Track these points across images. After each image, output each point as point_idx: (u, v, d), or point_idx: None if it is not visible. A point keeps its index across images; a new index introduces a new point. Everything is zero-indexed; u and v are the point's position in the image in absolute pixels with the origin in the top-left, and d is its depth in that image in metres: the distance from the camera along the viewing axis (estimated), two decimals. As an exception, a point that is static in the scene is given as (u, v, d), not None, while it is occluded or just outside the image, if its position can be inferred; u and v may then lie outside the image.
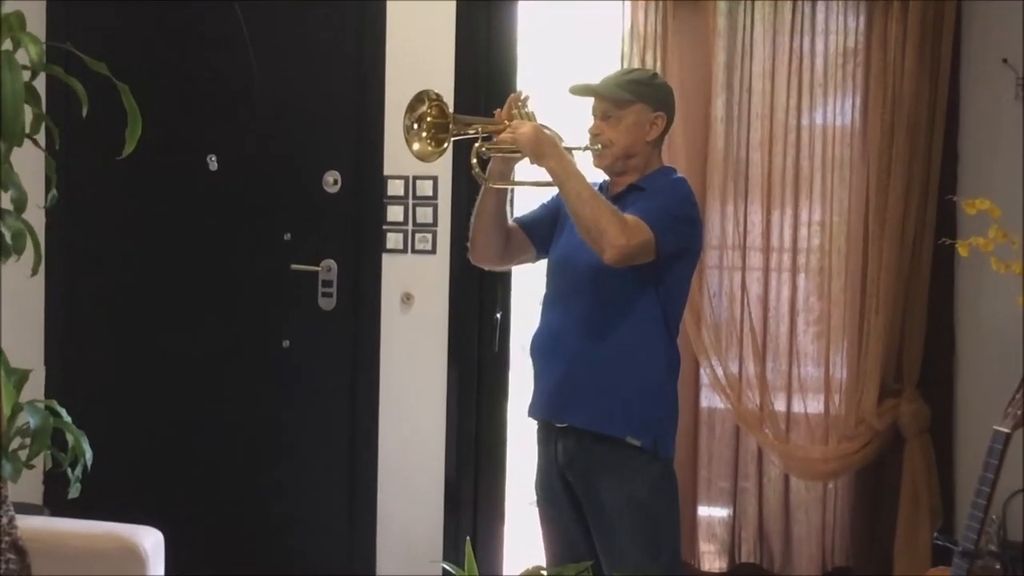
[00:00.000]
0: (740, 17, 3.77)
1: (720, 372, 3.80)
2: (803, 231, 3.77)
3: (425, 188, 3.79)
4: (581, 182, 2.54)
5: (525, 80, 3.87)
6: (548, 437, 2.75)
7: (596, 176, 2.76)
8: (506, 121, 2.65)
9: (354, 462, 3.85)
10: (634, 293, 2.62)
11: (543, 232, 2.83)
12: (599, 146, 2.69)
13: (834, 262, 3.75)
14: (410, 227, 3.80)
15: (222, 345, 3.90)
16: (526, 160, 2.64)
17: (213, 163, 3.84)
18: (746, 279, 3.81)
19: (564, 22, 4.25)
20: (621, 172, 2.72)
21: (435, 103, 2.60)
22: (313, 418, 3.88)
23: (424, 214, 3.80)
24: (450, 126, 2.59)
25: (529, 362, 2.82)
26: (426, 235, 3.80)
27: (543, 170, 2.59)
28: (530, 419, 2.81)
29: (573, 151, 2.67)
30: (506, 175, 2.72)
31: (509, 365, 3.91)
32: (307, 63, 3.84)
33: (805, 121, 3.76)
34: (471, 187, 2.73)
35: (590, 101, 2.75)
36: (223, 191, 3.88)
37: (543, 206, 2.86)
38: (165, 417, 3.93)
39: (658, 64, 3.75)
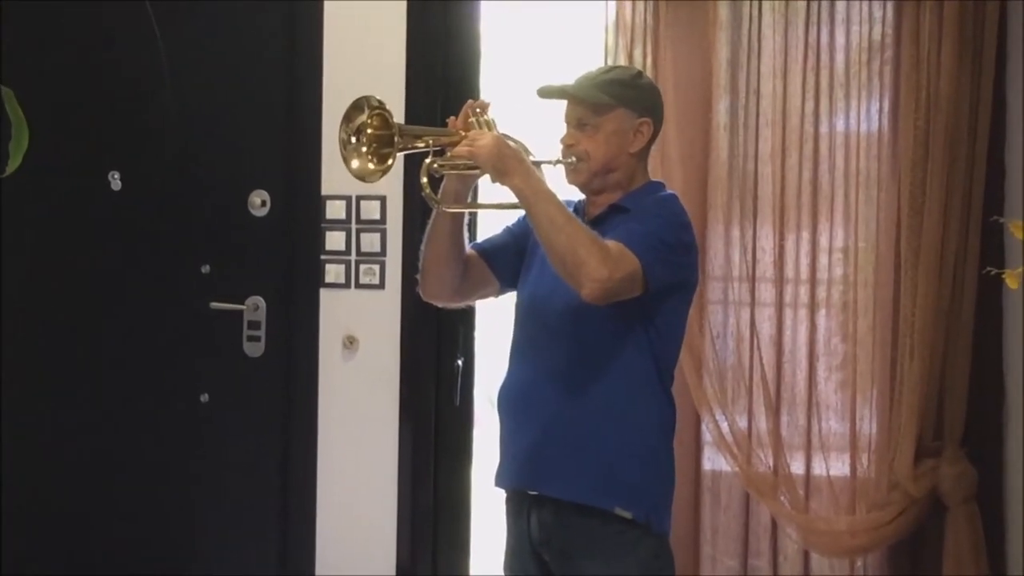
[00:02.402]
0: (746, 6, 3.78)
1: (726, 428, 3.80)
2: (823, 259, 3.78)
3: (371, 210, 3.78)
4: (553, 204, 2.50)
5: (491, 84, 3.87)
6: (520, 509, 2.72)
7: (571, 194, 2.73)
8: (462, 132, 2.62)
9: (287, 543, 3.80)
10: (619, 336, 2.60)
11: (507, 261, 2.81)
12: (573, 159, 2.66)
13: (860, 296, 3.76)
14: (353, 257, 3.80)
15: (126, 400, 3.83)
16: (487, 178, 2.61)
17: (116, 181, 3.80)
18: (756, 317, 3.81)
19: (537, 14, 4.24)
20: (600, 190, 2.70)
21: (377, 112, 2.56)
22: (237, 489, 3.83)
23: (370, 241, 3.78)
24: (395, 139, 2.56)
25: (497, 419, 2.80)
26: (372, 267, 3.79)
27: (507, 190, 2.55)
28: (498, 489, 2.79)
29: (543, 166, 2.65)
30: (462, 196, 2.69)
31: (473, 422, 3.88)
32: (229, 66, 3.82)
33: (824, 128, 3.78)
34: (426, 209, 2.73)
35: (563, 106, 2.73)
36: (128, 214, 3.82)
37: (507, 230, 2.85)
38: (54, 490, 3.82)
39: (648, 61, 3.76)
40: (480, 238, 2.91)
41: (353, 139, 2.57)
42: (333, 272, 3.80)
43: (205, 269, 3.82)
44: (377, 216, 3.77)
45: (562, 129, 2.71)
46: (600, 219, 2.67)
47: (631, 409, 2.61)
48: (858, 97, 3.75)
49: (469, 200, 2.73)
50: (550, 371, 2.64)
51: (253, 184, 3.80)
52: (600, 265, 2.44)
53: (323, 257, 3.80)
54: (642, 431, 2.62)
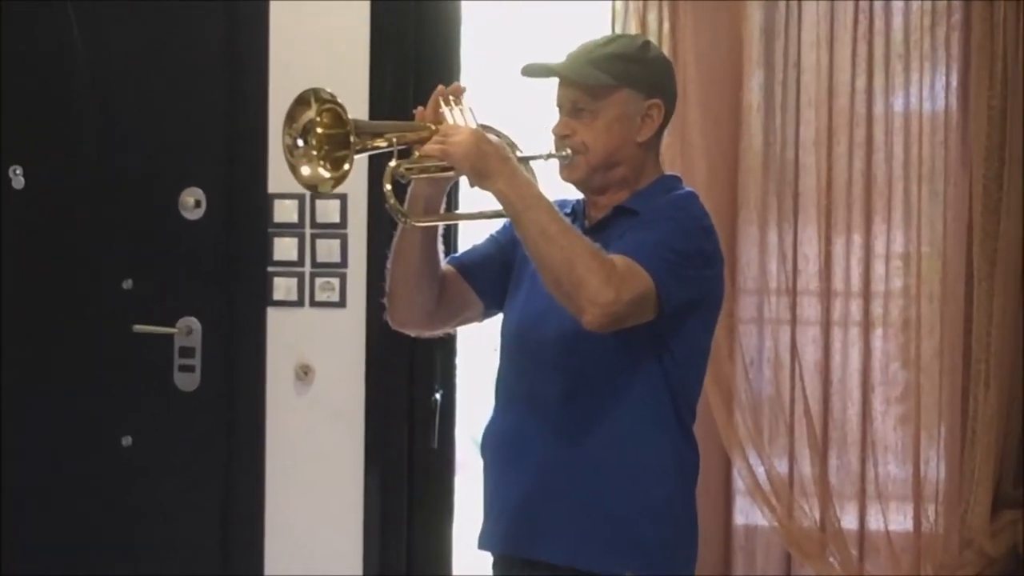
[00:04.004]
0: (783, -38, 3.82)
1: (761, 473, 3.82)
2: (878, 268, 3.81)
3: (329, 211, 3.80)
4: (545, 212, 2.48)
5: (477, 65, 3.92)
6: (509, 576, 2.83)
7: (567, 193, 2.73)
8: (431, 125, 2.59)
9: (228, 615, 3.82)
10: (627, 367, 2.60)
11: (492, 278, 2.80)
12: (568, 153, 2.64)
13: (924, 313, 3.78)
14: (308, 269, 3.83)
15: (29, 445, 3.84)
16: (465, 180, 2.59)
17: (18, 178, 3.83)
18: (797, 338, 3.83)
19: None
20: (602, 188, 2.69)
21: (327, 107, 2.53)
22: (167, 552, 3.84)
23: (328, 249, 3.81)
24: (351, 139, 2.51)
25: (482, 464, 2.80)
26: (331, 280, 3.81)
27: (489, 195, 2.52)
28: (483, 552, 2.78)
29: (532, 162, 2.65)
30: (434, 204, 2.66)
31: (454, 468, 3.90)
32: (160, 50, 3.88)
33: (879, 109, 3.80)
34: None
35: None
36: (32, 217, 3.86)
37: (491, 239, 2.84)
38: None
39: (665, 28, 3.77)
40: (461, 248, 2.91)
41: (300, 142, 2.55)
42: (283, 287, 3.83)
43: (127, 284, 3.84)
44: (336, 218, 3.80)
45: (554, 116, 2.69)
46: (603, 224, 2.67)
47: (642, 454, 2.61)
48: (920, 71, 3.77)
49: (443, 209, 2.71)
50: (543, 410, 2.63)
51: (186, 181, 3.82)
52: (604, 285, 2.41)
53: (270, 269, 3.82)
54: (656, 480, 2.62)
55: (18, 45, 3.86)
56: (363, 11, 3.80)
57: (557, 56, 2.69)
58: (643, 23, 3.76)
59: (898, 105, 3.78)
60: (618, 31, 3.75)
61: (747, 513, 3.89)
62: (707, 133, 3.79)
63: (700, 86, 3.77)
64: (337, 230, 3.80)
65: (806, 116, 3.81)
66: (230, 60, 3.83)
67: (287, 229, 3.81)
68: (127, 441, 3.83)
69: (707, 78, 3.79)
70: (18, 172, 3.82)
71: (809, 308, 3.83)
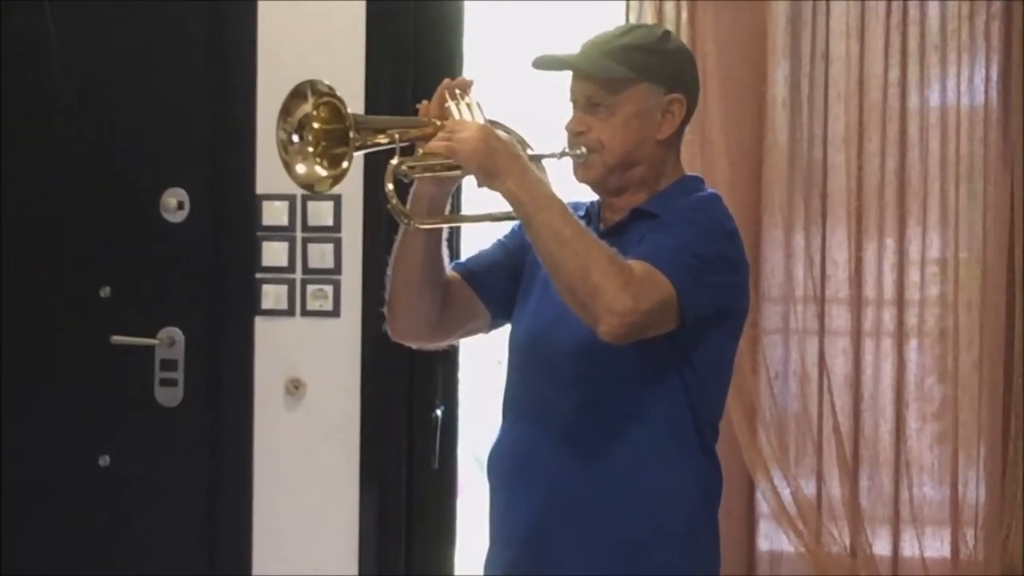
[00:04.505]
0: (811, -53, 3.82)
1: (787, 496, 3.82)
2: (913, 274, 3.81)
3: (322, 214, 3.81)
4: (558, 213, 2.47)
5: (481, 59, 3.94)
6: (518, 604, 2.82)
7: (581, 194, 2.73)
8: (436, 121, 2.60)
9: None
10: (645, 381, 2.60)
11: (500, 285, 2.81)
12: (583, 151, 2.64)
13: (963, 323, 3.78)
14: (299, 275, 3.84)
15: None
16: (471, 179, 2.58)
17: None
18: (826, 350, 3.83)
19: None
20: (619, 189, 2.69)
21: (325, 100, 2.54)
22: None
23: (320, 254, 3.82)
24: (350, 134, 2.52)
25: (487, 487, 2.79)
26: (324, 287, 3.82)
27: (498, 195, 2.52)
28: None
29: (544, 161, 2.65)
30: (439, 205, 2.67)
31: (456, 489, 3.90)
32: (140, 42, 3.91)
33: (913, 103, 3.80)
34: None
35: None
36: (2, 220, 3.86)
37: (500, 244, 2.85)
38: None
39: (684, 17, 3.79)
40: (465, 254, 2.92)
41: (296, 137, 2.55)
42: (272, 295, 3.83)
43: (105, 292, 3.85)
44: (329, 221, 3.81)
45: (568, 112, 2.69)
46: (620, 227, 2.67)
47: (661, 474, 2.61)
48: (957, 63, 3.77)
49: (448, 211, 2.72)
50: (555, 428, 2.64)
51: (168, 181, 3.83)
52: (621, 293, 2.40)
53: (259, 275, 3.83)
54: (675, 502, 2.62)
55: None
56: (359, 9, 3.81)
57: (570, 48, 2.67)
58: (660, 12, 3.77)
59: (934, 99, 3.79)
60: (633, 21, 3.74)
61: (772, 538, 3.90)
62: (729, 130, 3.79)
63: (721, 79, 3.77)
64: (330, 234, 3.81)
65: (835, 111, 3.80)
66: (215, 55, 3.85)
67: (277, 232, 3.82)
68: (104, 461, 3.84)
69: (729, 71, 3.79)
70: (-15, 172, 3.84)
71: (838, 317, 3.83)
